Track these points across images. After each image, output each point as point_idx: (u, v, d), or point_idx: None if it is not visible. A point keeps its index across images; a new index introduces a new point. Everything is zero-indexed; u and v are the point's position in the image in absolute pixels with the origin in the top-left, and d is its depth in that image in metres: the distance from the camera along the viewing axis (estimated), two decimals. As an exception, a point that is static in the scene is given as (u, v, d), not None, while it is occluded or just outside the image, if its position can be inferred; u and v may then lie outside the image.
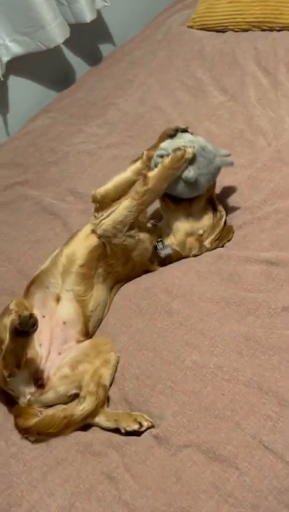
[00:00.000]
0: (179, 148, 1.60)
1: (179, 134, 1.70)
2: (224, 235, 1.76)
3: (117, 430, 1.44)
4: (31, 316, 1.38)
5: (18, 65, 2.63)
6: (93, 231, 1.66)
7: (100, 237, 1.65)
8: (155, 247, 1.73)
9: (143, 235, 1.69)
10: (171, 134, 1.70)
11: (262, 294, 1.54)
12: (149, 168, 1.65)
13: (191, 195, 1.68)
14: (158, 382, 1.46)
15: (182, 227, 1.71)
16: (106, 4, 2.65)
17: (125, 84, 2.60)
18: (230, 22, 2.55)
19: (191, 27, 2.70)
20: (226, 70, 2.39)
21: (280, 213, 1.71)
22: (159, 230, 1.75)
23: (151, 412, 1.43)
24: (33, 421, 1.46)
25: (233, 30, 2.57)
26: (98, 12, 2.70)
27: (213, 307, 1.56)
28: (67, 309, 1.62)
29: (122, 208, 1.61)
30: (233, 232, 1.76)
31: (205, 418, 1.36)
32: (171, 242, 1.73)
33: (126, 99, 2.51)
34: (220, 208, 1.75)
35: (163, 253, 1.71)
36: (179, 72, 2.51)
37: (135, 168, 1.72)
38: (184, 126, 1.72)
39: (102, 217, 1.64)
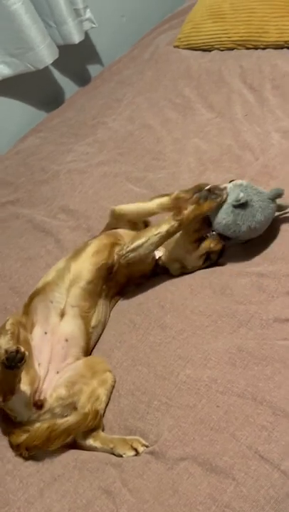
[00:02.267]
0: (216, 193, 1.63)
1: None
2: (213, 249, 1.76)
3: (114, 452, 1.44)
4: (18, 351, 1.37)
5: (7, 87, 2.67)
6: (116, 259, 1.68)
7: (120, 264, 1.68)
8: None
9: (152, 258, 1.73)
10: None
11: (253, 305, 1.56)
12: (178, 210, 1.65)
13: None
14: (153, 398, 1.47)
15: (173, 249, 1.73)
16: (94, 26, 2.69)
17: (114, 104, 2.64)
18: (216, 41, 2.61)
19: (177, 47, 2.75)
20: (213, 88, 2.44)
21: (269, 226, 1.73)
22: None
23: (147, 428, 1.44)
24: (23, 437, 1.45)
25: (218, 49, 2.63)
26: (86, 33, 2.75)
27: (206, 320, 1.58)
28: (70, 326, 1.61)
29: (150, 244, 1.64)
30: (221, 245, 1.76)
31: (200, 430, 1.37)
32: (161, 255, 1.75)
33: (115, 118, 2.54)
34: (214, 258, 1.75)
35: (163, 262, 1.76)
36: (166, 90, 2.55)
37: (162, 203, 1.73)
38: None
39: (128, 249, 1.66)
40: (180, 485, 1.29)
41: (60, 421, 1.45)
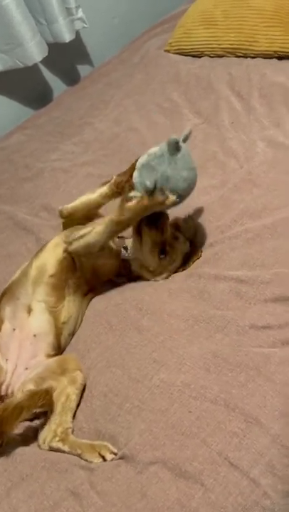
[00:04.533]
0: (162, 191, 1.58)
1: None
2: (193, 256, 1.77)
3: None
4: None
5: None
6: (65, 248, 1.67)
7: (70, 253, 1.66)
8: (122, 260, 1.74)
9: (112, 252, 1.71)
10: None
11: (230, 311, 1.56)
12: (126, 196, 1.61)
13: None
14: (125, 400, 1.46)
15: (137, 255, 1.73)
16: (85, 26, 2.68)
17: (101, 105, 2.64)
18: (206, 48, 2.61)
19: (168, 51, 2.75)
20: (201, 94, 2.44)
21: (250, 233, 1.74)
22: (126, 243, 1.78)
23: (118, 431, 1.42)
24: None
25: (208, 55, 2.63)
26: (77, 33, 2.73)
27: (183, 324, 1.57)
28: (38, 321, 1.61)
29: (95, 233, 1.63)
30: (201, 254, 1.78)
31: (171, 435, 1.36)
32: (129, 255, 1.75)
33: (102, 119, 2.54)
34: (172, 253, 1.73)
35: (127, 256, 1.74)
36: (154, 94, 2.55)
37: (103, 192, 1.73)
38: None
39: (75, 238, 1.65)
40: (149, 489, 1.28)
41: (9, 400, 1.45)
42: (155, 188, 1.56)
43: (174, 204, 1.61)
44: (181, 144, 1.59)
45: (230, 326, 1.53)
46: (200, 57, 2.65)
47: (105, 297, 1.76)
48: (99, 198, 1.74)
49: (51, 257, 1.68)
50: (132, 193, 1.60)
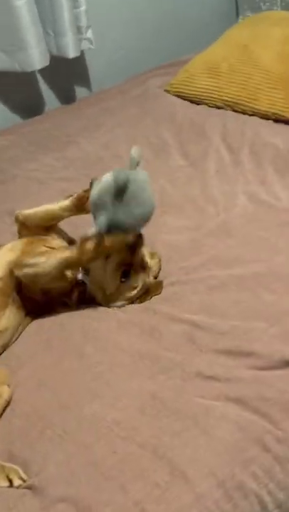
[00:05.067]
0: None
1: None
2: (152, 290, 1.70)
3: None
4: None
5: None
6: (11, 270, 1.59)
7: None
8: (76, 282, 1.65)
9: (63, 278, 1.62)
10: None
11: (179, 355, 1.48)
12: (85, 236, 1.54)
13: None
14: (49, 427, 1.35)
15: (97, 275, 1.64)
16: (91, 47, 2.68)
17: (93, 128, 2.62)
18: (207, 96, 2.61)
19: (168, 91, 2.75)
20: (193, 138, 2.43)
21: (215, 280, 1.68)
22: None
23: (33, 458, 1.30)
24: None
25: (207, 104, 2.62)
26: (82, 52, 2.72)
27: (126, 359, 1.49)
28: None
29: (48, 265, 1.55)
30: (161, 290, 1.71)
31: (90, 474, 1.24)
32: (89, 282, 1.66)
33: (90, 142, 2.52)
34: (134, 279, 1.65)
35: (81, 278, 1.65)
36: (146, 129, 2.54)
37: (63, 205, 1.66)
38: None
39: (26, 264, 1.57)
40: (50, 529, 1.15)
41: None
42: (110, 229, 1.48)
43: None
44: (128, 183, 1.49)
45: (176, 369, 1.44)
46: (198, 104, 2.66)
47: (50, 315, 1.66)
48: (59, 211, 1.67)
49: (3, 259, 1.59)
50: (91, 231, 1.51)
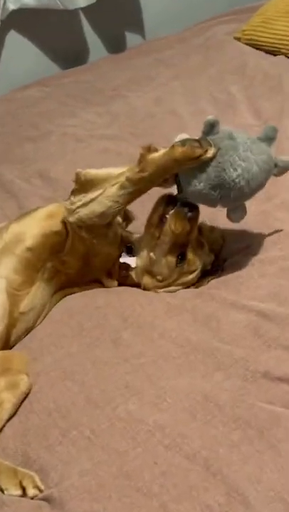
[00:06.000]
0: (199, 143, 1.43)
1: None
2: (210, 277, 1.64)
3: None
4: None
5: (23, 20, 2.59)
6: (64, 217, 1.53)
7: (69, 223, 1.52)
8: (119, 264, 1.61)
9: (116, 237, 1.57)
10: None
11: (241, 350, 1.40)
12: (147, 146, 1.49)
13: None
14: (74, 427, 1.29)
15: (143, 258, 1.59)
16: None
17: (144, 81, 2.64)
18: (285, 44, 2.57)
19: (238, 39, 2.76)
20: (266, 93, 2.41)
21: (288, 261, 1.60)
22: (133, 240, 1.64)
23: (52, 463, 1.23)
24: None
25: (285, 54, 2.59)
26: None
27: (175, 350, 1.42)
28: None
29: (105, 197, 1.47)
30: (219, 276, 1.64)
31: (122, 488, 1.16)
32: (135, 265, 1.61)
33: (140, 96, 2.53)
34: (193, 259, 1.59)
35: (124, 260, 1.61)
36: (210, 82, 2.54)
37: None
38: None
39: (80, 204, 1.50)
40: None
41: None
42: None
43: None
44: None
45: (237, 367, 1.36)
46: (275, 54, 2.65)
47: (84, 295, 1.62)
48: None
49: (37, 226, 1.54)
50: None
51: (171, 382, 1.34)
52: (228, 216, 1.56)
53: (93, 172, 1.57)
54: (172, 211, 1.53)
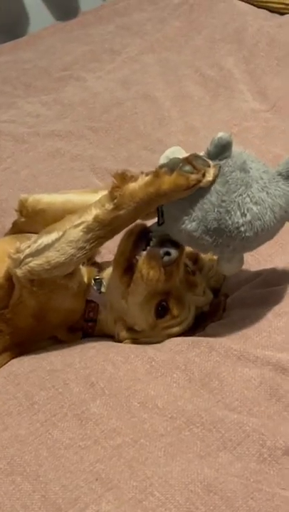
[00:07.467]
0: (192, 165, 1.46)
1: None
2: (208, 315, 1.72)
3: None
4: None
5: None
6: (8, 268, 1.60)
7: (17, 278, 1.57)
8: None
9: (81, 286, 1.64)
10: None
11: (255, 419, 1.44)
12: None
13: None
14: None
15: (114, 303, 1.65)
16: None
17: (105, 55, 2.72)
18: (296, 0, 2.68)
19: (233, -5, 2.85)
20: (273, 67, 2.50)
21: None
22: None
23: None
24: None
25: (297, 14, 2.70)
26: None
27: (163, 425, 1.45)
28: None
29: (66, 242, 1.50)
30: (221, 318, 1.71)
31: None
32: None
33: (100, 76, 2.60)
34: (178, 311, 1.64)
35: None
36: (197, 54, 2.62)
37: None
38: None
39: (28, 252, 1.54)
40: None
41: None
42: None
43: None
44: None
45: (249, 443, 1.40)
46: (282, 13, 2.74)
47: (34, 356, 1.67)
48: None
49: None
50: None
51: (159, 470, 1.37)
52: (219, 265, 1.59)
53: (45, 200, 1.65)
54: (144, 252, 1.56)
